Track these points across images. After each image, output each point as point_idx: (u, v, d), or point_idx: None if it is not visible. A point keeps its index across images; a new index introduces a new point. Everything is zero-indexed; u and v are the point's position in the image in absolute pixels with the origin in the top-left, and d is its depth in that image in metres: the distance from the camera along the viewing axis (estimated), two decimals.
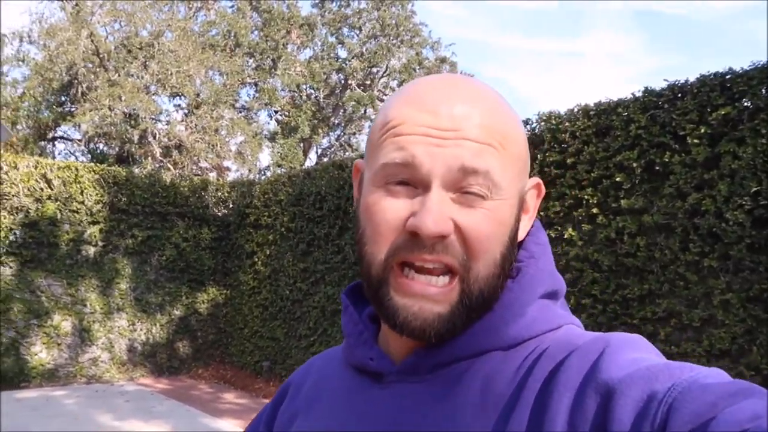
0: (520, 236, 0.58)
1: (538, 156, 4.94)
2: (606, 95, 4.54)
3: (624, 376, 0.43)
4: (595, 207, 4.52)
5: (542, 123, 5.01)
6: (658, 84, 4.25)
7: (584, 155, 4.60)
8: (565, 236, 4.68)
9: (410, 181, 0.51)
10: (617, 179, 4.36)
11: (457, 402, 0.52)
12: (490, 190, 0.51)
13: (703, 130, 3.90)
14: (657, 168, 4.17)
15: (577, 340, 0.51)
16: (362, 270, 0.56)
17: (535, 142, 5.04)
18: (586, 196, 4.58)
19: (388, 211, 0.52)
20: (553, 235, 4.78)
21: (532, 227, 0.61)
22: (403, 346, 0.57)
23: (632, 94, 4.43)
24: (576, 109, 4.78)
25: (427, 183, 0.50)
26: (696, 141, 3.94)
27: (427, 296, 0.51)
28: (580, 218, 4.63)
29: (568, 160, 4.71)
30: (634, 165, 4.27)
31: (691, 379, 0.41)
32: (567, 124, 4.76)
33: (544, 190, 0.60)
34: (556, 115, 4.92)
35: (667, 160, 4.08)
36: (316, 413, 0.63)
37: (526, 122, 5.17)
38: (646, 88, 4.34)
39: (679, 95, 4.14)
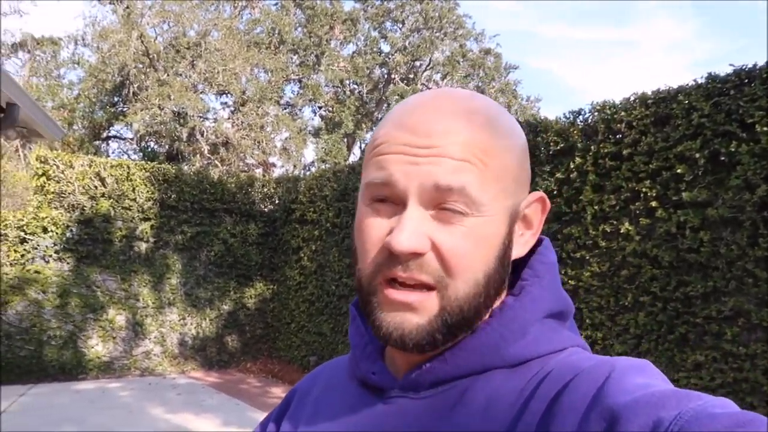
0: (521, 252, 0.57)
1: (592, 147, 4.73)
2: (660, 84, 4.30)
3: (629, 401, 0.42)
4: (653, 200, 4.30)
5: (596, 113, 4.80)
6: (720, 70, 3.99)
7: (642, 146, 4.38)
8: (621, 231, 4.47)
9: (390, 199, 0.52)
10: (678, 171, 4.13)
11: (459, 421, 0.52)
12: (470, 207, 0.50)
13: None
14: (722, 158, 3.93)
15: (583, 363, 0.50)
16: (356, 286, 0.56)
17: (588, 132, 4.84)
18: (644, 189, 4.36)
19: (372, 228, 0.53)
20: (608, 230, 4.58)
21: (539, 246, 0.60)
22: (405, 362, 0.57)
23: (694, 80, 4.18)
24: (632, 98, 4.55)
25: (404, 200, 0.51)
26: (766, 129, 3.68)
27: (407, 304, 0.51)
28: (638, 212, 4.41)
29: (624, 151, 4.49)
30: (697, 155, 4.03)
31: (699, 408, 0.40)
32: (623, 113, 4.54)
33: (549, 205, 0.58)
34: (611, 104, 4.70)
35: (733, 149, 3.83)
36: (319, 423, 0.63)
37: (578, 113, 4.97)
38: (710, 74, 4.09)
39: (746, 81, 3.88)
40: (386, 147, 0.52)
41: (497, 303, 0.56)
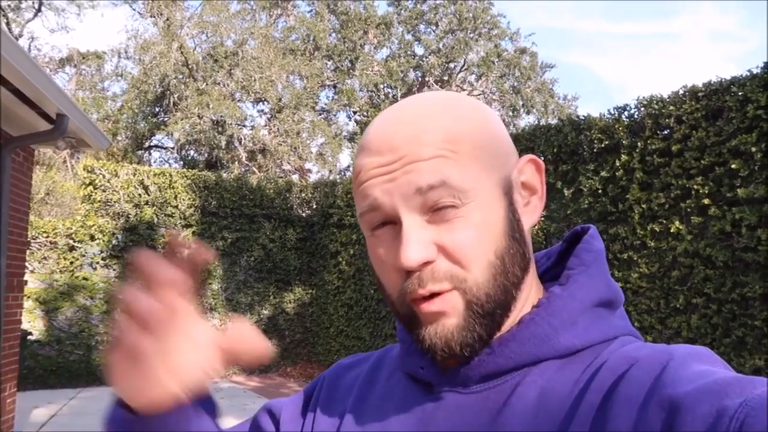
0: (533, 220, 0.56)
1: (639, 144, 4.58)
2: (706, 76, 4.11)
3: (690, 390, 0.40)
4: (706, 197, 4.12)
5: (642, 108, 4.64)
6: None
7: (692, 141, 4.21)
8: (672, 230, 4.30)
9: (386, 221, 0.52)
10: (732, 166, 3.94)
11: (512, 414, 0.50)
12: (457, 197, 0.50)
13: None
14: None
15: (638, 352, 0.49)
16: (392, 312, 0.56)
17: (634, 129, 4.68)
18: (695, 186, 4.18)
19: (383, 257, 0.53)
20: (657, 229, 4.41)
21: (586, 234, 0.59)
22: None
23: (749, 71, 3.99)
24: (681, 92, 4.38)
25: (397, 217, 0.51)
26: None
27: (436, 312, 0.51)
28: (689, 210, 4.24)
29: (674, 147, 4.33)
30: (753, 150, 3.84)
31: (765, 394, 0.37)
32: (671, 108, 4.37)
33: (542, 163, 0.57)
34: (658, 99, 4.53)
35: None
36: (367, 415, 0.61)
37: (623, 108, 4.82)
38: (766, 63, 3.89)
39: None
40: (363, 175, 0.53)
41: (538, 288, 0.57)
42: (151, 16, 15.42)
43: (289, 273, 9.18)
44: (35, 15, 15.99)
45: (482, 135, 0.53)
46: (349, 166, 19.09)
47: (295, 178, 16.80)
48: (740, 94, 3.95)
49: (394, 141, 0.52)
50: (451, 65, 20.26)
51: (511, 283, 0.53)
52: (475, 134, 0.53)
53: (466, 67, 20.24)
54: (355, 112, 19.88)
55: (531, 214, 0.56)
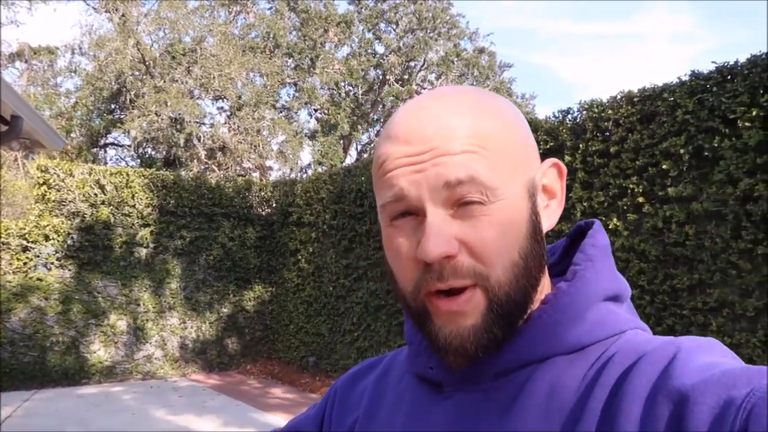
0: (551, 223, 0.56)
1: (581, 146, 4.84)
2: (666, 78, 4.40)
3: (698, 381, 0.41)
4: (640, 196, 4.41)
5: (584, 112, 4.91)
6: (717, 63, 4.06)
7: (628, 143, 4.49)
8: (610, 226, 4.58)
9: (409, 212, 0.52)
10: (664, 167, 4.24)
11: (521, 411, 0.51)
12: (485, 194, 0.50)
13: (754, 113, 3.74)
14: (706, 154, 4.03)
15: (645, 345, 0.49)
16: (402, 305, 0.56)
17: (576, 131, 4.95)
18: (631, 185, 4.46)
19: (402, 247, 0.52)
20: None
21: (591, 230, 0.59)
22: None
23: (678, 78, 4.29)
24: (619, 96, 4.66)
25: (422, 209, 0.51)
26: (747, 124, 3.78)
27: (455, 311, 0.51)
28: (626, 207, 4.52)
29: (612, 149, 4.60)
30: (682, 151, 4.13)
31: None
32: (610, 111, 4.65)
33: (564, 169, 0.58)
34: (598, 103, 4.80)
35: (716, 145, 3.94)
36: (379, 421, 0.62)
37: (567, 112, 5.08)
38: (693, 71, 4.20)
39: (728, 77, 3.99)
40: (389, 164, 0.52)
41: (548, 288, 0.57)
42: (106, 12, 15.09)
43: (248, 271, 9.22)
44: None
45: (511, 135, 0.53)
46: (310, 164, 19.10)
47: (255, 176, 16.73)
48: (671, 99, 4.24)
49: (426, 132, 0.51)
50: (412, 64, 20.46)
51: (531, 284, 0.53)
52: (504, 133, 0.53)
53: (426, 66, 20.48)
54: (316, 110, 19.88)
55: (549, 217, 0.56)
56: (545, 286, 0.56)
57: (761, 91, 3.74)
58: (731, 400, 0.39)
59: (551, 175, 0.57)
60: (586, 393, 0.48)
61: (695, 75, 4.17)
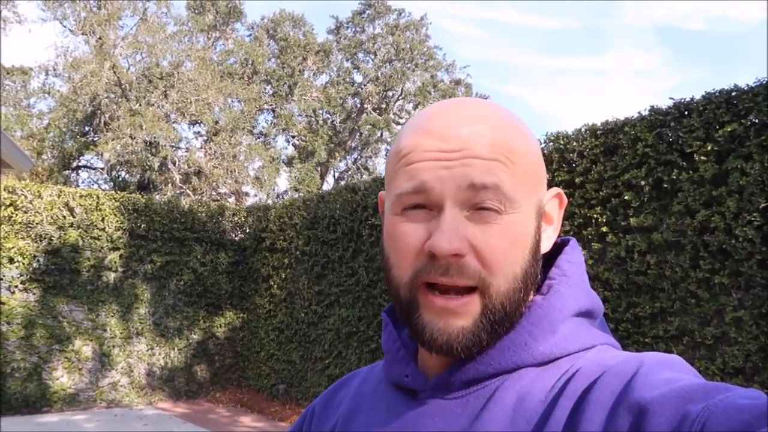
0: (545, 248, 0.58)
1: (547, 176, 4.96)
2: (632, 112, 4.56)
3: (657, 395, 0.43)
4: (604, 225, 4.52)
5: (550, 143, 5.05)
6: (688, 97, 4.22)
7: (592, 174, 4.62)
8: None
9: (426, 204, 0.53)
10: (626, 197, 4.37)
11: (490, 420, 0.52)
12: (503, 204, 0.52)
13: (710, 147, 3.91)
14: (665, 186, 4.17)
15: (611, 360, 0.51)
16: (391, 293, 0.57)
17: (544, 161, 5.07)
18: (595, 215, 4.58)
19: (408, 235, 0.53)
20: None
21: (567, 246, 0.61)
22: (437, 364, 0.58)
23: (639, 112, 4.45)
24: (583, 129, 4.81)
25: (440, 205, 0.52)
26: (703, 158, 3.94)
27: (450, 310, 0.52)
28: (590, 237, 4.63)
29: (577, 180, 4.73)
30: (642, 183, 4.27)
31: (727, 400, 0.40)
32: (575, 143, 4.79)
33: (565, 200, 0.61)
34: (564, 135, 4.95)
35: (675, 177, 4.08)
36: (356, 424, 0.64)
37: None
38: (652, 106, 4.37)
39: (686, 113, 4.16)
40: (415, 155, 0.53)
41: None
42: (82, 34, 15.08)
43: (220, 297, 9.11)
44: None
45: (534, 157, 0.56)
46: (286, 191, 19.10)
47: (231, 201, 16.66)
48: (632, 133, 4.40)
49: (460, 132, 0.53)
50: (389, 93, 20.78)
51: (523, 299, 0.54)
52: (528, 154, 0.55)
53: (403, 95, 20.82)
54: (293, 137, 19.98)
55: (544, 242, 0.58)
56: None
57: (716, 127, 3.91)
58: (687, 414, 0.40)
59: (553, 203, 0.60)
60: (552, 403, 0.50)
61: (654, 110, 4.34)
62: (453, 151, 0.52)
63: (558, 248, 0.62)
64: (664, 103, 4.32)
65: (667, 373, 0.46)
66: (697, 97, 4.11)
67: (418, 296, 0.54)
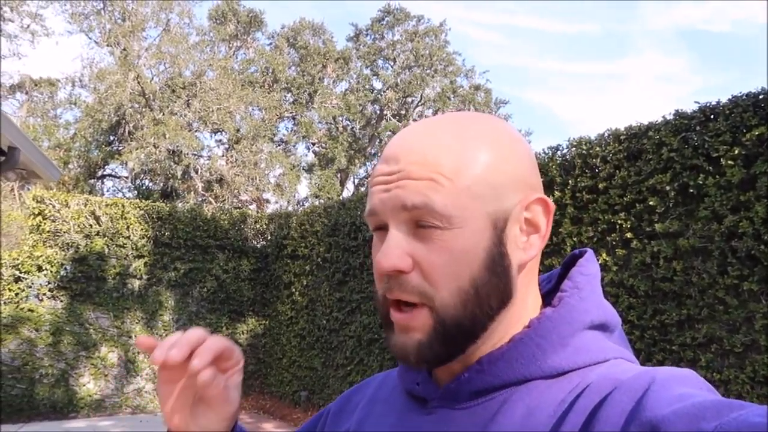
0: (526, 257, 0.56)
1: (570, 182, 4.92)
2: (655, 116, 4.50)
3: (669, 413, 0.42)
4: (628, 231, 4.46)
5: (573, 149, 5.00)
6: (709, 102, 4.16)
7: (616, 180, 4.57)
8: (600, 261, 4.62)
9: (381, 226, 0.56)
10: (651, 203, 4.30)
11: (498, 431, 0.52)
12: (441, 221, 0.52)
13: (737, 151, 3.83)
14: (691, 191, 4.11)
15: (623, 375, 0.50)
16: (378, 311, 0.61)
17: (566, 167, 5.03)
18: (619, 221, 4.52)
19: (376, 256, 0.56)
20: None
21: (582, 258, 0.60)
22: (446, 372, 0.58)
23: (663, 116, 4.39)
24: (606, 134, 4.76)
25: (386, 226, 0.55)
26: (730, 162, 3.87)
27: (403, 325, 0.54)
28: (614, 243, 4.57)
29: (600, 185, 4.68)
30: (667, 188, 4.21)
31: (741, 418, 0.39)
32: (598, 148, 4.74)
33: (551, 205, 0.58)
34: (587, 140, 4.90)
35: (701, 182, 4.02)
36: (368, 428, 0.65)
37: (556, 148, 5.18)
38: (677, 110, 4.31)
39: (711, 117, 4.09)
40: (372, 180, 0.56)
41: (526, 317, 0.57)
42: (107, 46, 15.39)
43: (242, 304, 9.19)
44: None
45: (484, 167, 0.54)
46: (307, 198, 19.22)
47: (252, 208, 16.81)
48: (656, 137, 4.34)
49: (399, 154, 0.54)
50: (409, 99, 20.81)
51: (484, 313, 0.53)
52: (476, 165, 0.53)
53: (422, 101, 20.83)
54: (313, 144, 20.12)
55: (526, 250, 0.56)
56: (529, 310, 0.57)
57: (743, 131, 3.84)
58: None
59: (535, 209, 0.57)
60: (561, 418, 0.49)
61: (679, 114, 4.28)
62: (392, 173, 0.54)
63: (576, 260, 0.61)
64: (689, 106, 4.27)
65: (679, 388, 0.45)
66: (724, 100, 4.05)
67: (389, 314, 0.55)
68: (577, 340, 0.54)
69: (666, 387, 0.45)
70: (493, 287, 0.54)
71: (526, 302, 0.57)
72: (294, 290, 8.63)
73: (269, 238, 9.55)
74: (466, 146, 0.54)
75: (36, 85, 17.61)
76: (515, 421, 0.51)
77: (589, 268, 0.59)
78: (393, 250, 0.53)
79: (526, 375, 0.53)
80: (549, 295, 0.62)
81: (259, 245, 9.55)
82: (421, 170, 0.52)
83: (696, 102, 4.19)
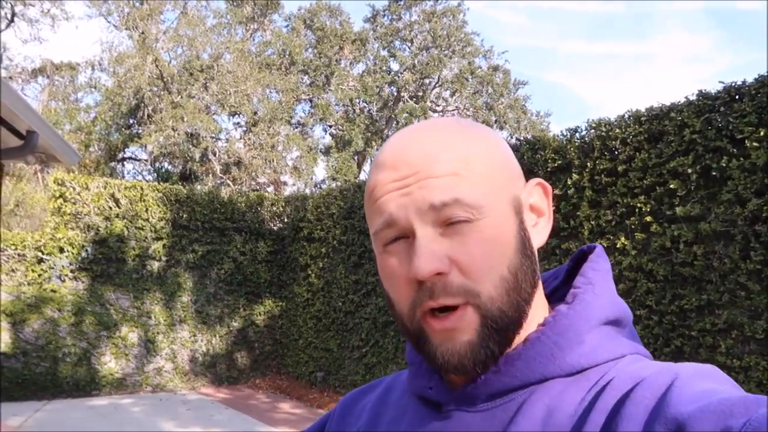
0: (541, 240, 0.57)
1: (588, 164, 4.83)
2: (680, 97, 4.37)
3: (694, 410, 0.41)
4: (648, 215, 4.38)
5: (592, 130, 4.91)
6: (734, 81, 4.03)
7: (636, 162, 4.47)
8: (618, 245, 4.55)
9: (401, 235, 0.53)
10: (671, 186, 4.21)
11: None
12: (471, 213, 0.51)
13: (762, 133, 3.72)
14: (714, 173, 4.01)
15: (644, 371, 0.49)
16: (401, 329, 0.57)
17: (584, 149, 4.94)
18: (638, 204, 4.44)
19: (395, 269, 0.54)
20: (604, 245, 4.65)
21: (592, 254, 0.60)
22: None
23: (686, 97, 4.28)
24: (626, 116, 4.66)
25: (411, 231, 0.52)
26: (755, 144, 3.76)
27: (449, 329, 0.52)
28: (633, 227, 4.49)
29: (620, 168, 4.59)
30: (689, 171, 4.11)
31: None
32: (617, 130, 4.65)
33: (549, 188, 0.59)
34: (606, 122, 4.80)
35: (724, 165, 3.92)
36: None
37: (575, 130, 5.08)
38: (700, 91, 4.19)
39: (737, 97, 3.97)
40: (378, 191, 0.54)
41: (545, 308, 0.58)
42: (126, 29, 15.44)
43: (259, 286, 9.27)
44: (8, 25, 15.90)
45: (493, 157, 0.55)
46: (324, 180, 19.23)
47: (270, 191, 16.89)
48: (678, 119, 4.23)
49: (410, 158, 0.53)
50: (426, 81, 20.60)
51: (523, 299, 0.53)
52: (486, 155, 0.54)
53: (440, 83, 20.61)
54: (330, 126, 20.07)
55: (538, 234, 0.57)
56: (540, 305, 0.57)
57: None
58: (728, 430, 0.38)
59: (537, 194, 0.58)
60: (583, 417, 0.48)
61: (703, 95, 4.16)
62: (407, 177, 0.52)
63: (585, 255, 0.61)
64: (714, 87, 4.14)
65: (703, 384, 0.44)
66: (749, 80, 3.92)
67: (423, 326, 0.53)
68: (593, 336, 0.54)
69: (690, 383, 0.44)
70: (527, 270, 0.54)
71: (540, 291, 0.58)
72: (310, 272, 8.68)
73: (286, 220, 9.59)
74: (467, 140, 0.55)
75: (57, 69, 17.78)
76: (536, 422, 0.50)
77: (600, 264, 0.59)
78: (430, 253, 0.51)
79: (545, 374, 0.53)
80: (556, 292, 0.62)
81: (275, 228, 9.60)
82: (441, 167, 0.52)
83: (720, 82, 4.07)
